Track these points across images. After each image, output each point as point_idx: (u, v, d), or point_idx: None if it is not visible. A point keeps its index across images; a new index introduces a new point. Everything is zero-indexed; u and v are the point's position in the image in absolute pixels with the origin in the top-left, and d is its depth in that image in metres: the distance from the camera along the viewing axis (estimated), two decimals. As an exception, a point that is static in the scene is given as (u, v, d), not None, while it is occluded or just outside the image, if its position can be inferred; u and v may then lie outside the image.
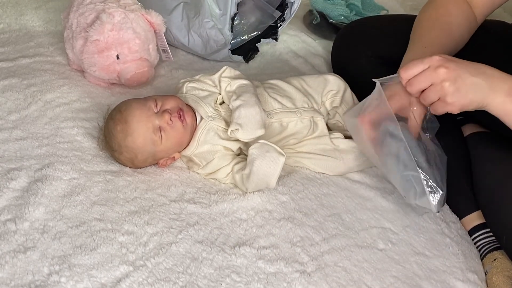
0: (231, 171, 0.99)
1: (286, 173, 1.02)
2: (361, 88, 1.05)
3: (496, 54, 1.03)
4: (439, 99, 0.81)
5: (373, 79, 0.89)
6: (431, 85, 0.81)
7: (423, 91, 0.83)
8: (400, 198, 1.01)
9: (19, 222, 0.86)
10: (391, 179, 0.93)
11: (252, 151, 0.94)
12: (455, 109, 0.82)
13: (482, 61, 1.04)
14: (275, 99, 1.06)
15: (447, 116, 1.09)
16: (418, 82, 0.81)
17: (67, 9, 1.24)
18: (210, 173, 1.00)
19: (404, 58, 0.96)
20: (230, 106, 1.00)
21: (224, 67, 1.06)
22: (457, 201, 1.02)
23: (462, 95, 0.80)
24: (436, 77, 0.79)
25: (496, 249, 0.94)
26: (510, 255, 0.91)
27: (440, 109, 0.83)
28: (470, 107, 0.82)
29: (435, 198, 0.87)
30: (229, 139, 0.99)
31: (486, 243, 0.96)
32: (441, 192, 0.88)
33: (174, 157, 1.01)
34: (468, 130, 1.10)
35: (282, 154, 0.94)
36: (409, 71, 0.82)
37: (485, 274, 0.91)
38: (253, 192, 0.96)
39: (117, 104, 1.01)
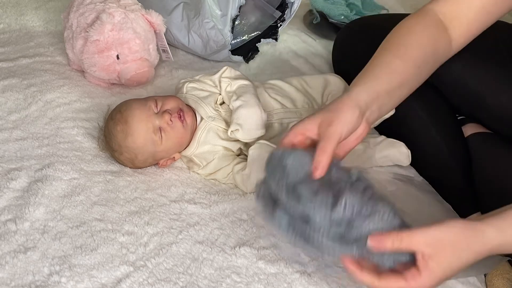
0: (231, 171, 0.98)
1: (287, 173, 1.02)
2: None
3: (497, 55, 1.03)
4: None
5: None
6: None
7: None
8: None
9: (19, 222, 0.86)
10: None
11: (252, 151, 0.94)
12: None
13: (481, 64, 1.04)
14: (276, 100, 1.06)
15: (447, 115, 1.09)
16: None
17: (67, 9, 1.24)
18: (210, 174, 1.00)
19: (355, 81, 0.81)
20: (231, 107, 1.00)
21: (225, 67, 1.06)
22: (457, 202, 1.02)
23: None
24: None
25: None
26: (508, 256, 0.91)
27: None
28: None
29: None
30: (229, 139, 0.99)
31: None
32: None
33: (174, 157, 1.01)
34: (469, 130, 1.09)
35: None
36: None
37: (485, 277, 0.91)
38: (254, 192, 0.96)
39: (117, 104, 1.01)
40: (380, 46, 0.87)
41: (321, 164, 0.70)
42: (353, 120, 0.74)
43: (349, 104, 0.75)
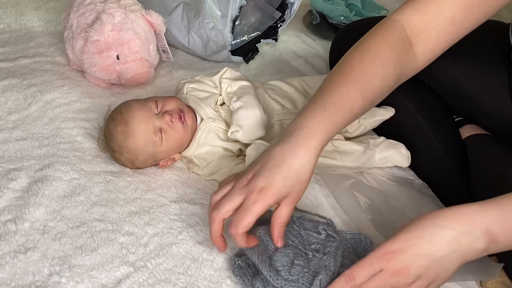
0: (231, 172, 0.99)
1: (286, 174, 1.02)
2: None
3: (494, 57, 1.03)
4: None
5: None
6: None
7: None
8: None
9: (19, 223, 0.86)
10: None
11: (249, 152, 0.94)
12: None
13: (476, 65, 1.04)
14: (276, 101, 1.06)
15: (444, 117, 1.10)
16: None
17: (67, 9, 1.24)
18: (210, 174, 1.00)
19: (300, 114, 0.78)
20: (231, 108, 1.00)
21: (225, 68, 1.06)
22: (454, 204, 1.02)
23: (443, 276, 0.68)
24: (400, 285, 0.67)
25: (491, 255, 0.94)
26: (502, 261, 0.91)
27: None
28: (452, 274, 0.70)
29: None
30: (229, 140, 0.99)
31: None
32: None
33: (174, 158, 1.01)
34: (467, 131, 1.10)
35: None
36: (357, 275, 0.68)
37: (480, 281, 0.91)
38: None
39: (117, 104, 1.01)
40: (344, 71, 0.81)
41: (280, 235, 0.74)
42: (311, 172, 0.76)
43: (312, 162, 0.75)
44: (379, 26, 0.86)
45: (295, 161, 0.73)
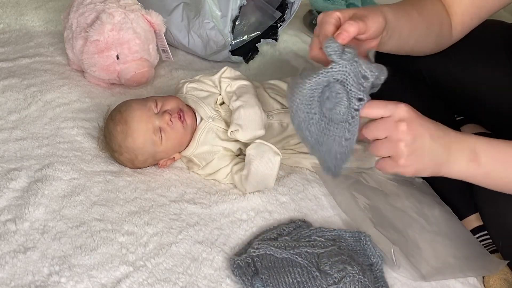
0: (230, 171, 0.99)
1: (286, 174, 1.02)
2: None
3: (496, 55, 1.03)
4: (390, 156, 0.72)
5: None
6: (386, 137, 0.71)
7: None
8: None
9: (19, 222, 0.86)
10: None
11: (250, 152, 0.94)
12: (407, 172, 0.73)
13: (482, 64, 1.04)
14: (275, 100, 1.06)
15: (446, 116, 1.09)
16: (375, 129, 0.72)
17: (67, 9, 1.24)
18: (210, 174, 1.00)
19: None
20: (230, 107, 1.00)
21: (225, 68, 1.06)
22: (456, 203, 1.02)
23: (417, 159, 0.72)
24: (395, 132, 0.71)
25: (492, 252, 0.94)
26: (506, 259, 0.91)
27: (389, 169, 0.73)
28: (425, 173, 0.75)
29: None
30: (228, 139, 0.99)
31: (483, 246, 0.96)
32: None
33: (174, 157, 1.01)
34: (468, 131, 1.09)
35: (278, 154, 0.94)
36: (369, 111, 0.72)
37: (483, 277, 0.91)
38: (253, 192, 0.96)
39: (117, 104, 1.01)
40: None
41: (348, 33, 0.72)
42: (381, 24, 0.77)
43: (380, 12, 0.78)
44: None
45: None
